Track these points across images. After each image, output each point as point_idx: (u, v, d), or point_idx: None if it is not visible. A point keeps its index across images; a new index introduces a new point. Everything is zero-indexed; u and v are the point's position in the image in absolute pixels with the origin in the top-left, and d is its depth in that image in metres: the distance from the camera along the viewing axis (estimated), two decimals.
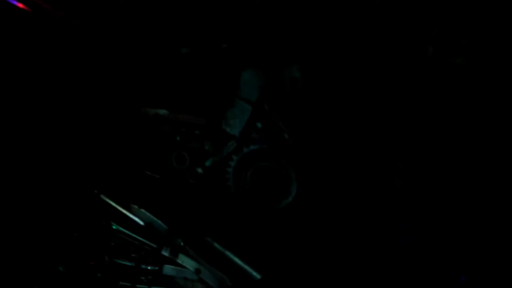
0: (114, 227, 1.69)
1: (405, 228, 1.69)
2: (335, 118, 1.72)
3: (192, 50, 1.72)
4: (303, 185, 1.72)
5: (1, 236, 1.64)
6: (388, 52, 1.63)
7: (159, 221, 1.69)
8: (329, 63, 1.71)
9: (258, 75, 1.71)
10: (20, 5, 1.62)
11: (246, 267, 1.67)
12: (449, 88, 1.61)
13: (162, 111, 1.74)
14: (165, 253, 1.66)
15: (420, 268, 1.66)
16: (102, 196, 1.70)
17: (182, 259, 1.66)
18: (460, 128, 1.63)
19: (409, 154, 1.68)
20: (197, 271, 1.65)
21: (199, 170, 1.75)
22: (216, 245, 1.69)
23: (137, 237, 1.68)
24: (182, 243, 1.68)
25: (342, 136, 1.70)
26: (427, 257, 1.66)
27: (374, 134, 1.70)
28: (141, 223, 1.68)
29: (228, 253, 1.69)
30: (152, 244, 1.68)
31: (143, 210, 1.69)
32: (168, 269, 1.67)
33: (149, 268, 1.67)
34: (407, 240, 1.69)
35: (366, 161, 1.70)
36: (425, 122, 1.68)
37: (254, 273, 1.66)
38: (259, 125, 1.73)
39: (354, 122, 1.70)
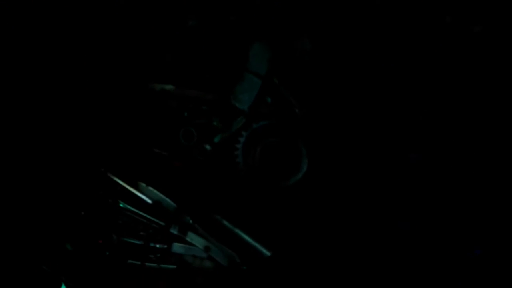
0: (121, 205, 1.66)
1: (419, 200, 1.66)
2: (347, 92, 1.67)
3: (200, 23, 1.66)
4: (313, 161, 1.69)
5: (8, 214, 1.62)
6: (404, 20, 1.58)
7: (167, 199, 1.67)
8: (340, 35, 1.65)
9: (268, 48, 1.66)
10: None
11: (256, 244, 1.66)
12: (468, 59, 1.56)
13: (169, 87, 1.69)
14: (174, 231, 1.65)
15: (434, 241, 1.63)
16: (109, 174, 1.67)
17: (191, 237, 1.65)
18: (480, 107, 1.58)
19: (425, 129, 1.64)
20: (206, 249, 1.64)
21: (208, 146, 1.71)
22: (225, 222, 1.68)
23: (145, 215, 1.66)
24: (191, 221, 1.66)
25: (355, 111, 1.65)
26: (441, 230, 1.63)
27: (388, 109, 1.65)
28: (149, 201, 1.66)
29: (237, 231, 1.67)
30: (161, 222, 1.65)
31: (150, 188, 1.66)
32: (177, 247, 1.66)
33: (157, 246, 1.65)
34: (421, 213, 1.67)
35: (380, 137, 1.66)
36: (442, 99, 1.63)
37: (264, 250, 1.65)
38: (269, 99, 1.69)
39: (367, 97, 1.66)
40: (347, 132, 1.67)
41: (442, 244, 1.63)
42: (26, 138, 1.66)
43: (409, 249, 1.65)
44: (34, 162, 1.65)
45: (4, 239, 1.61)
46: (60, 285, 1.62)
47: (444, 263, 1.61)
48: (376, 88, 1.67)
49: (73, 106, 1.67)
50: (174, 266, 1.65)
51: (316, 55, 1.64)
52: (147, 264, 1.64)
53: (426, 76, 1.63)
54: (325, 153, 1.69)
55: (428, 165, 1.65)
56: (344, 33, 1.65)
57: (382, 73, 1.64)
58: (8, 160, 1.63)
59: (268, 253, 1.65)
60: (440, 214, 1.65)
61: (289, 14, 1.64)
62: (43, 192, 1.65)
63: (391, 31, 1.59)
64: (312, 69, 1.66)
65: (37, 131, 1.66)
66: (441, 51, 1.59)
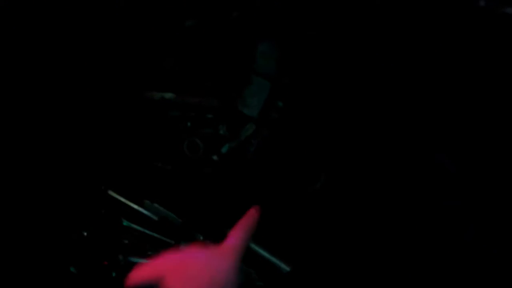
0: (125, 223, 1.55)
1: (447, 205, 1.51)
2: (368, 91, 1.50)
3: (198, 22, 1.49)
4: (333, 170, 1.54)
5: (8, 237, 1.53)
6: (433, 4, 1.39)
7: (174, 216, 1.55)
8: (356, 25, 1.47)
9: (277, 47, 1.49)
10: None
11: (273, 259, 1.54)
12: (504, 44, 1.38)
13: (169, 95, 1.54)
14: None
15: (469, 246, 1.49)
16: (110, 192, 1.55)
17: None
18: None
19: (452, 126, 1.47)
20: None
21: (215, 157, 1.56)
22: None
23: (152, 233, 1.55)
24: (201, 237, 1.55)
25: (377, 113, 1.48)
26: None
27: (413, 113, 1.48)
28: (155, 218, 1.54)
29: (252, 245, 1.55)
30: (169, 240, 1.55)
31: (156, 205, 1.54)
32: None
33: None
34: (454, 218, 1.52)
35: (404, 146, 1.50)
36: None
37: (282, 265, 1.52)
38: (280, 103, 1.53)
39: (390, 99, 1.49)
40: (370, 136, 1.50)
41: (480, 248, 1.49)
42: (21, 155, 1.55)
43: (438, 258, 1.52)
44: (30, 182, 1.55)
45: (2, 262, 1.53)
46: None
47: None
48: (396, 86, 1.49)
49: (67, 121, 1.54)
50: None
51: (324, 54, 1.47)
52: None
53: (454, 67, 1.45)
54: (346, 159, 1.54)
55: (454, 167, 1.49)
56: (359, 24, 1.47)
57: (405, 68, 1.46)
58: (4, 178, 1.53)
59: (287, 268, 1.52)
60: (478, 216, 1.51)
61: (298, 6, 1.45)
62: (42, 213, 1.55)
63: (413, 21, 1.40)
64: (328, 67, 1.48)
65: (31, 147, 1.54)
66: (476, 39, 1.40)
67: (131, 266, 1.54)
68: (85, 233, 1.57)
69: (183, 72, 1.54)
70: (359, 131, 1.54)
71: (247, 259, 1.54)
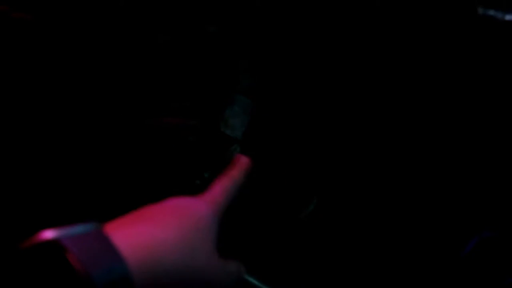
0: None
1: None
2: (366, 99, 1.38)
3: (172, 38, 1.35)
4: (326, 191, 1.43)
5: None
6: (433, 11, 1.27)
7: None
8: (356, 26, 1.34)
9: (260, 62, 1.35)
10: None
11: None
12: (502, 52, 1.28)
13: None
14: None
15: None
16: None
17: None
18: None
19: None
20: None
21: (198, 182, 1.44)
22: None
23: None
24: None
25: (372, 130, 1.37)
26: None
27: (412, 121, 1.37)
28: None
29: (246, 277, 1.45)
30: None
31: None
32: None
33: None
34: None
35: (404, 158, 1.39)
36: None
37: None
38: (266, 123, 1.40)
39: (388, 106, 1.37)
40: (365, 155, 1.39)
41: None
42: None
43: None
44: None
45: None
46: None
47: None
48: (395, 91, 1.38)
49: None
50: None
51: (321, 58, 1.34)
52: None
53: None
54: (341, 179, 1.43)
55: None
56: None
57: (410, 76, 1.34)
58: None
59: None
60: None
61: (281, 17, 1.32)
62: None
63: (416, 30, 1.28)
64: (316, 77, 1.35)
65: None
66: (475, 46, 1.30)
67: None
68: None
69: (157, 92, 1.40)
70: (354, 146, 1.43)
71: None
